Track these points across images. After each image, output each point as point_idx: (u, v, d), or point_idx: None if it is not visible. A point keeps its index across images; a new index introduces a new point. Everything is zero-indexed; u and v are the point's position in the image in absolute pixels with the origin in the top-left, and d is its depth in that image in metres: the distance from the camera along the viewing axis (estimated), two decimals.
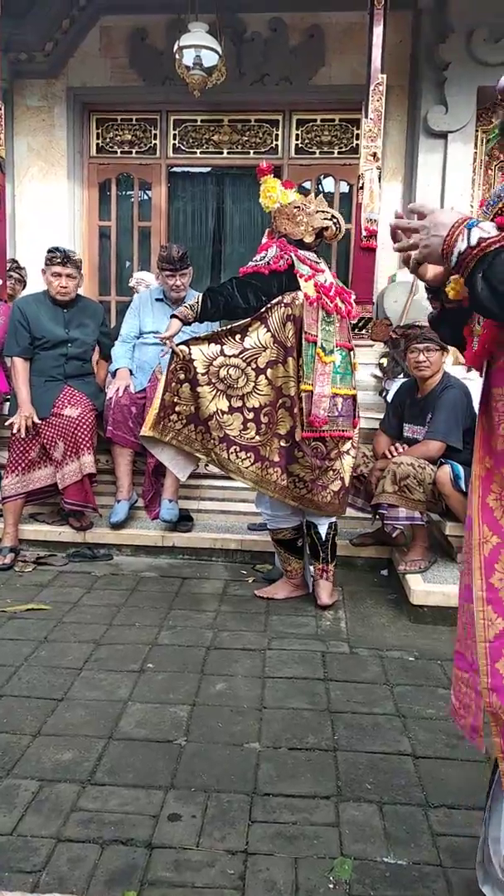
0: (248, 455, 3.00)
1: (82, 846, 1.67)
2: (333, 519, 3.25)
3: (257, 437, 2.99)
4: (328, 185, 6.70)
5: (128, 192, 6.91)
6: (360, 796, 1.89)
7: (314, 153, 6.59)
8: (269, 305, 2.95)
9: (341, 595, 3.34)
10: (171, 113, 6.66)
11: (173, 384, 2.99)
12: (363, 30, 5.26)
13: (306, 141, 6.58)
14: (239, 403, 2.97)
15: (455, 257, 1.20)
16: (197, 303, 2.92)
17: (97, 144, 6.81)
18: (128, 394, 3.90)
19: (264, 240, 3.21)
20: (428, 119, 5.76)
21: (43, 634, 2.82)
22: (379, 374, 4.77)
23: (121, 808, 1.81)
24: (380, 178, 5.08)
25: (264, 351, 2.97)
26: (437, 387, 3.40)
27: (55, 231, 6.36)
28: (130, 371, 4.01)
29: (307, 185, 6.56)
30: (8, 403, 4.08)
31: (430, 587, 3.10)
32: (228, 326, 3.01)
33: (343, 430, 3.11)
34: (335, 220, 3.11)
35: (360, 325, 4.96)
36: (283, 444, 3.02)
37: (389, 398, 4.02)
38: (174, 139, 6.72)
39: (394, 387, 4.17)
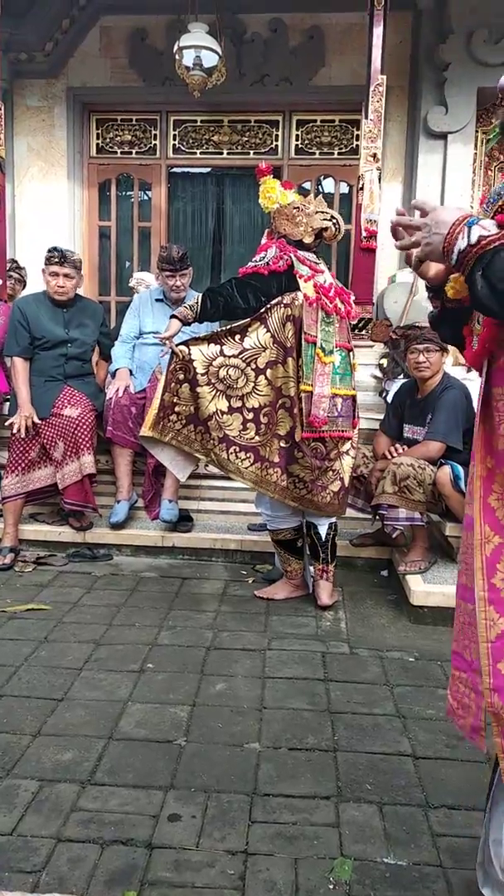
0: (248, 455, 3.00)
1: (82, 846, 1.67)
2: (333, 519, 3.25)
3: (257, 438, 2.99)
4: (328, 185, 6.70)
5: (128, 193, 6.91)
6: (361, 797, 1.89)
7: (314, 154, 6.59)
8: (268, 306, 2.95)
9: (341, 595, 3.34)
10: (171, 113, 6.66)
11: (173, 384, 2.99)
12: (363, 30, 5.26)
13: (306, 141, 6.59)
14: (238, 404, 2.97)
15: (455, 255, 1.20)
16: (196, 303, 2.92)
17: (97, 145, 6.80)
18: (128, 394, 3.90)
19: (264, 240, 3.21)
20: (428, 120, 5.76)
21: (43, 634, 2.82)
22: (379, 374, 4.77)
23: (121, 809, 1.81)
24: (380, 179, 5.08)
25: (264, 351, 2.97)
26: (437, 387, 3.40)
27: (55, 231, 6.36)
28: (130, 371, 4.01)
29: (307, 185, 6.56)
30: (8, 403, 4.08)
31: (430, 588, 3.10)
32: (228, 327, 3.01)
33: (343, 431, 3.11)
34: (334, 221, 3.11)
35: (360, 325, 4.96)
36: (282, 444, 3.02)
37: (389, 399, 4.02)
38: (174, 139, 6.72)
39: (394, 387, 4.17)
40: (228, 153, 6.69)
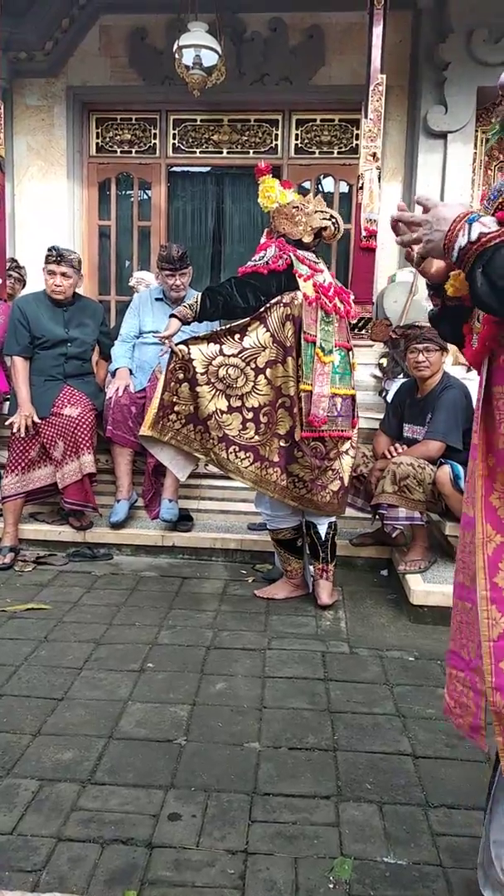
0: (248, 455, 3.00)
1: (82, 845, 1.67)
2: (333, 519, 3.25)
3: (256, 437, 2.99)
4: (328, 185, 6.70)
5: (127, 192, 6.91)
6: (360, 796, 1.89)
7: (314, 153, 6.59)
8: (268, 305, 2.95)
9: (341, 595, 3.34)
10: (170, 112, 6.65)
11: (172, 384, 2.99)
12: (363, 30, 5.25)
13: (306, 141, 6.58)
14: (238, 403, 2.97)
15: (456, 252, 1.20)
16: (196, 302, 2.92)
17: (97, 144, 6.80)
18: (127, 393, 3.90)
19: (263, 239, 3.21)
20: (428, 119, 5.76)
21: (43, 634, 2.82)
22: (379, 374, 4.77)
23: (121, 808, 1.81)
24: (379, 179, 5.08)
25: (263, 351, 2.97)
26: (436, 387, 3.40)
27: (55, 230, 6.36)
28: (130, 371, 4.01)
29: (307, 184, 6.56)
30: (8, 403, 4.07)
31: (430, 587, 3.10)
32: (227, 326, 3.01)
33: (342, 430, 3.11)
34: (334, 220, 3.11)
35: (360, 325, 4.96)
36: (282, 443, 3.02)
37: (389, 398, 4.02)
38: (174, 139, 6.72)
39: (394, 387, 4.17)
40: (228, 152, 6.69)
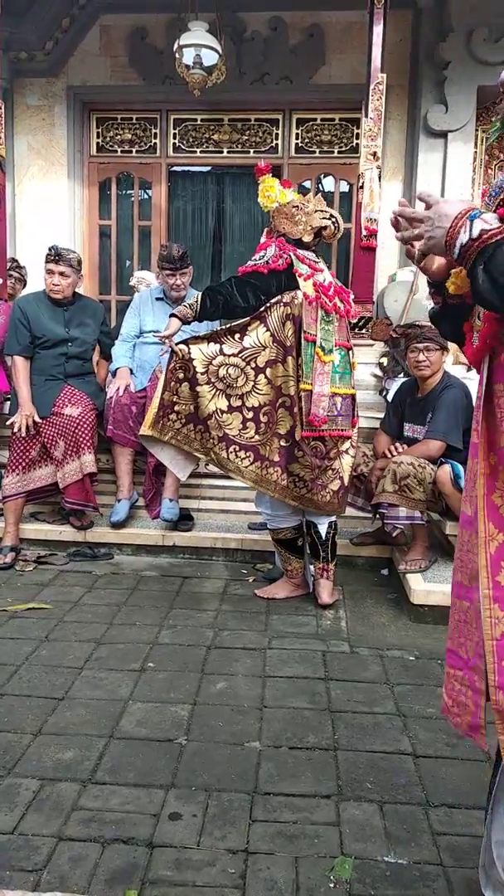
0: (248, 454, 3.00)
1: (83, 845, 1.67)
2: (333, 518, 3.25)
3: (257, 437, 2.99)
4: (328, 184, 6.69)
5: (128, 192, 6.91)
6: (361, 795, 1.89)
7: (314, 152, 6.59)
8: (268, 305, 2.95)
9: (342, 594, 3.34)
10: (171, 112, 6.66)
11: (172, 383, 2.99)
12: (363, 29, 5.25)
13: (306, 140, 6.58)
14: (238, 403, 2.97)
15: (457, 249, 1.19)
16: (196, 302, 2.92)
17: (97, 143, 6.80)
18: (128, 393, 3.90)
19: (263, 239, 3.21)
20: (428, 118, 5.76)
21: (44, 633, 2.82)
22: (379, 373, 4.76)
23: (122, 807, 1.81)
24: (380, 178, 5.08)
25: (264, 350, 2.97)
26: (437, 386, 3.40)
27: (55, 230, 6.36)
28: (131, 370, 4.01)
29: (307, 184, 6.56)
30: (8, 402, 4.07)
31: (431, 586, 3.10)
32: (228, 326, 3.01)
33: (342, 430, 3.11)
34: (333, 220, 3.11)
35: (361, 324, 4.96)
36: (282, 443, 3.01)
37: (389, 398, 4.02)
38: (174, 138, 6.72)
39: (394, 386, 4.17)
40: (228, 152, 6.68)
